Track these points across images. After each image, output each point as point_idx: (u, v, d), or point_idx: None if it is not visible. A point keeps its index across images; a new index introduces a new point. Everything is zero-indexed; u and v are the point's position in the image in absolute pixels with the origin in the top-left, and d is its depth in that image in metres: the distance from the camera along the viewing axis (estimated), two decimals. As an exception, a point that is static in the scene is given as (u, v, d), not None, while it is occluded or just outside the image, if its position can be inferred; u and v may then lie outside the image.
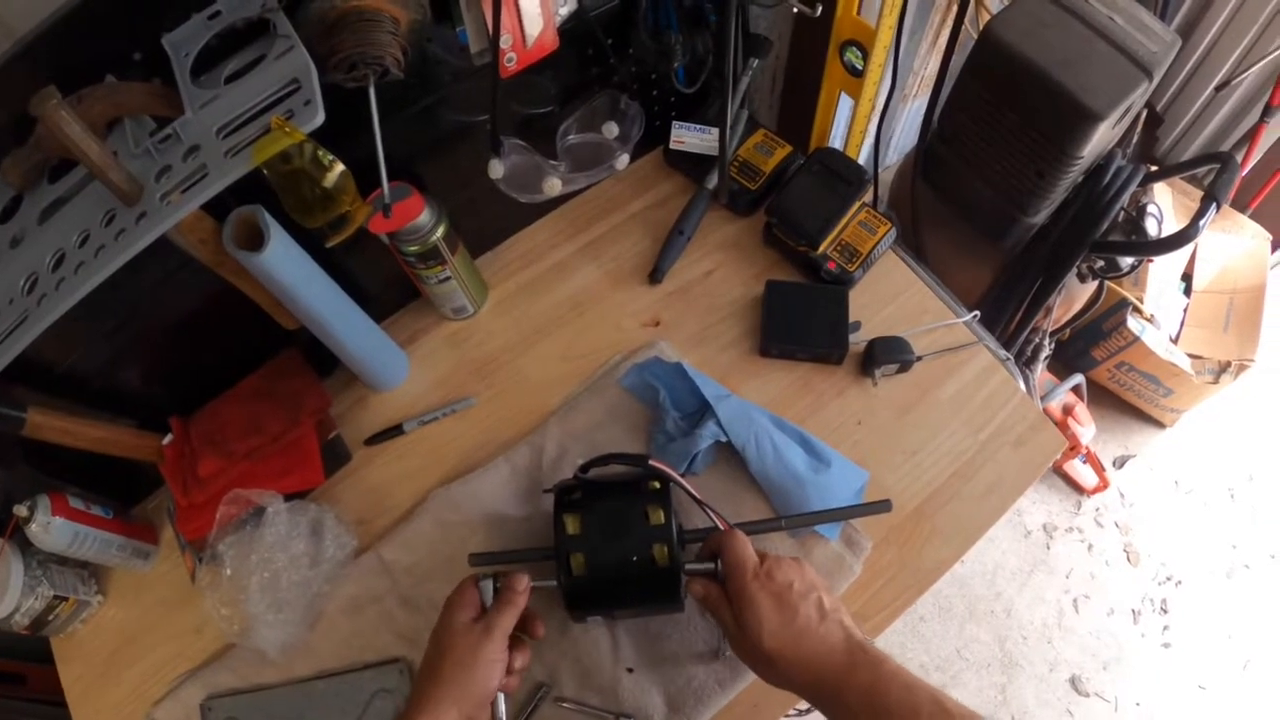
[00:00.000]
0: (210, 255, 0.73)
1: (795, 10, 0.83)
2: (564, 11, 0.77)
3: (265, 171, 0.62)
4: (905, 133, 1.84)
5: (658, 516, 0.72)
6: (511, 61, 0.75)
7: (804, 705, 0.73)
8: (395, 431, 0.97)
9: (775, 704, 0.82)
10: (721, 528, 0.74)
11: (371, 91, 0.67)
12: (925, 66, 1.65)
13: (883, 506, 0.79)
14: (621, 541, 0.72)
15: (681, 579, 0.71)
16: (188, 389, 0.94)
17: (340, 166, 0.66)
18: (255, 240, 0.72)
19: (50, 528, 0.82)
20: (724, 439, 0.86)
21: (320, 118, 0.60)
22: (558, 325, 1.02)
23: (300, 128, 0.60)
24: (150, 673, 0.88)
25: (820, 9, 0.84)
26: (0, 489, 0.85)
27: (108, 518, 0.89)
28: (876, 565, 0.86)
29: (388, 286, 1.01)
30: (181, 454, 0.91)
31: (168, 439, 0.91)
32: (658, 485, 0.74)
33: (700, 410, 0.89)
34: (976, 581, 1.79)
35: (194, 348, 0.91)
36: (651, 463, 0.73)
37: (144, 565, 0.94)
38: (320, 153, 0.64)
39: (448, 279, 0.94)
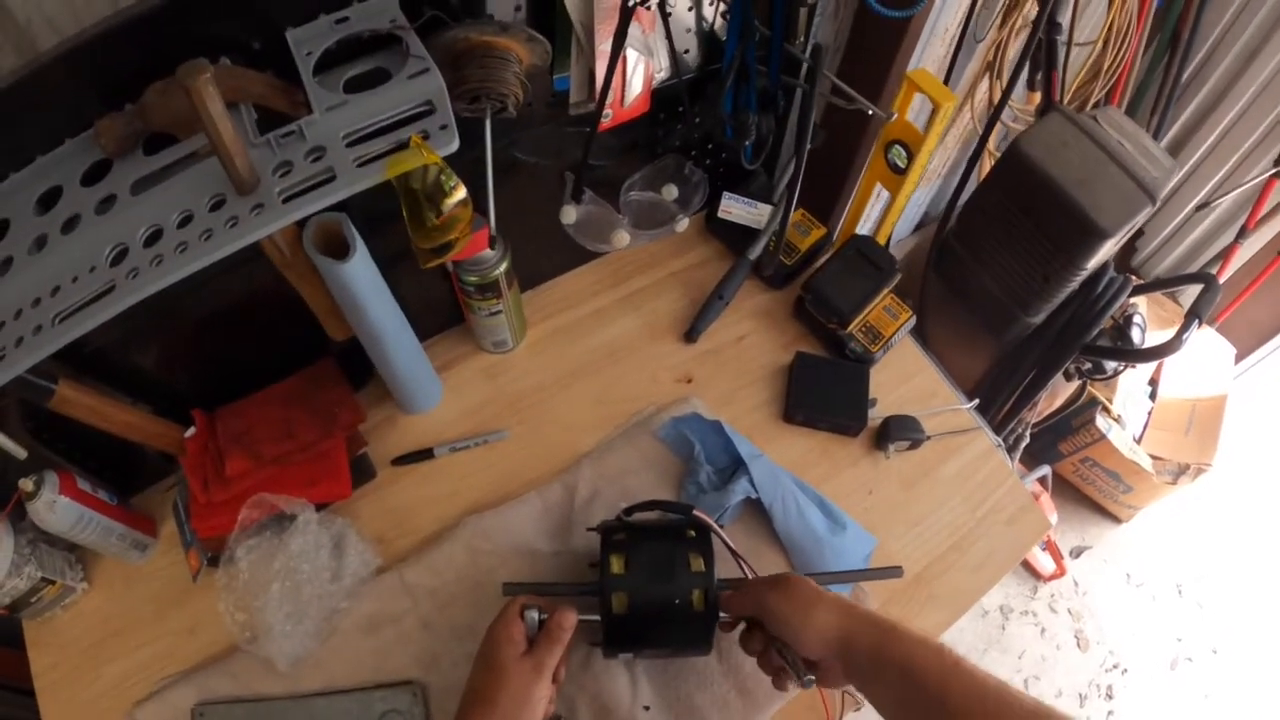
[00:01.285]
0: (282, 256, 0.76)
1: (871, 114, 0.93)
2: (659, 77, 0.86)
3: (395, 185, 0.65)
4: (903, 220, 1.98)
5: (698, 564, 0.78)
6: (607, 117, 0.83)
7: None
8: (425, 455, 1.01)
9: None
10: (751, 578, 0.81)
11: (488, 125, 0.73)
12: (932, 159, 1.80)
13: (894, 572, 0.88)
14: (664, 584, 0.77)
15: (715, 625, 0.78)
16: (214, 384, 0.95)
17: (461, 194, 0.69)
18: (333, 247, 0.76)
19: (56, 506, 0.81)
20: (754, 496, 0.94)
21: (456, 144, 0.64)
22: (593, 370, 1.09)
23: (436, 150, 0.63)
24: (135, 670, 0.88)
25: (895, 115, 0.95)
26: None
27: (112, 504, 0.89)
28: None
29: (429, 310, 1.05)
30: (204, 449, 0.91)
31: (190, 431, 0.91)
32: (695, 534, 0.81)
33: (732, 466, 0.97)
34: (935, 654, 1.89)
35: (228, 344, 0.93)
36: (696, 513, 0.81)
37: (140, 557, 0.94)
38: (444, 176, 0.67)
39: (498, 313, 1.00)
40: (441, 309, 1.07)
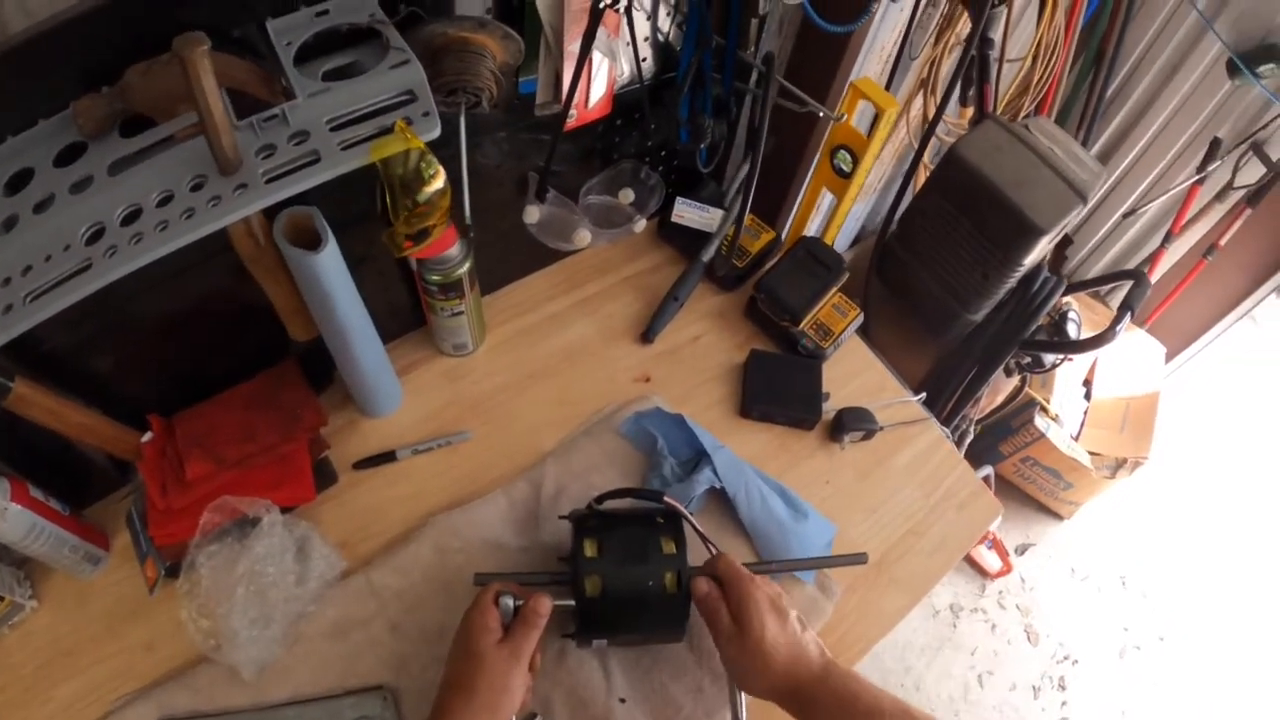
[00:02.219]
0: (250, 249, 0.76)
1: (821, 117, 0.98)
2: (621, 81, 0.89)
3: (379, 169, 0.67)
4: (841, 234, 2.05)
5: (670, 547, 0.80)
6: (572, 118, 0.86)
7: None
8: (388, 457, 1.01)
9: None
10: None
11: (462, 119, 0.75)
12: (868, 176, 1.88)
13: (859, 559, 0.91)
14: (636, 567, 0.79)
15: (688, 609, 0.79)
16: (172, 389, 0.94)
17: (441, 181, 0.70)
18: (302, 241, 0.76)
19: (7, 514, 0.78)
20: (718, 485, 0.97)
21: (438, 130, 0.66)
22: (552, 372, 1.11)
23: (419, 135, 0.65)
24: (89, 690, 0.85)
25: (845, 117, 1.00)
26: None
27: (65, 514, 0.86)
28: (841, 609, 0.97)
29: (391, 314, 1.06)
30: (163, 454, 0.89)
31: (147, 436, 0.89)
32: (665, 520, 0.83)
33: (695, 458, 1.00)
34: (887, 656, 1.94)
35: (187, 347, 0.92)
36: (666, 499, 0.83)
37: (92, 571, 0.91)
38: (425, 163, 0.69)
39: (460, 313, 1.02)
40: (402, 313, 1.08)
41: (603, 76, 0.85)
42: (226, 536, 0.87)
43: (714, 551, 0.84)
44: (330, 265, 0.78)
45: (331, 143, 0.65)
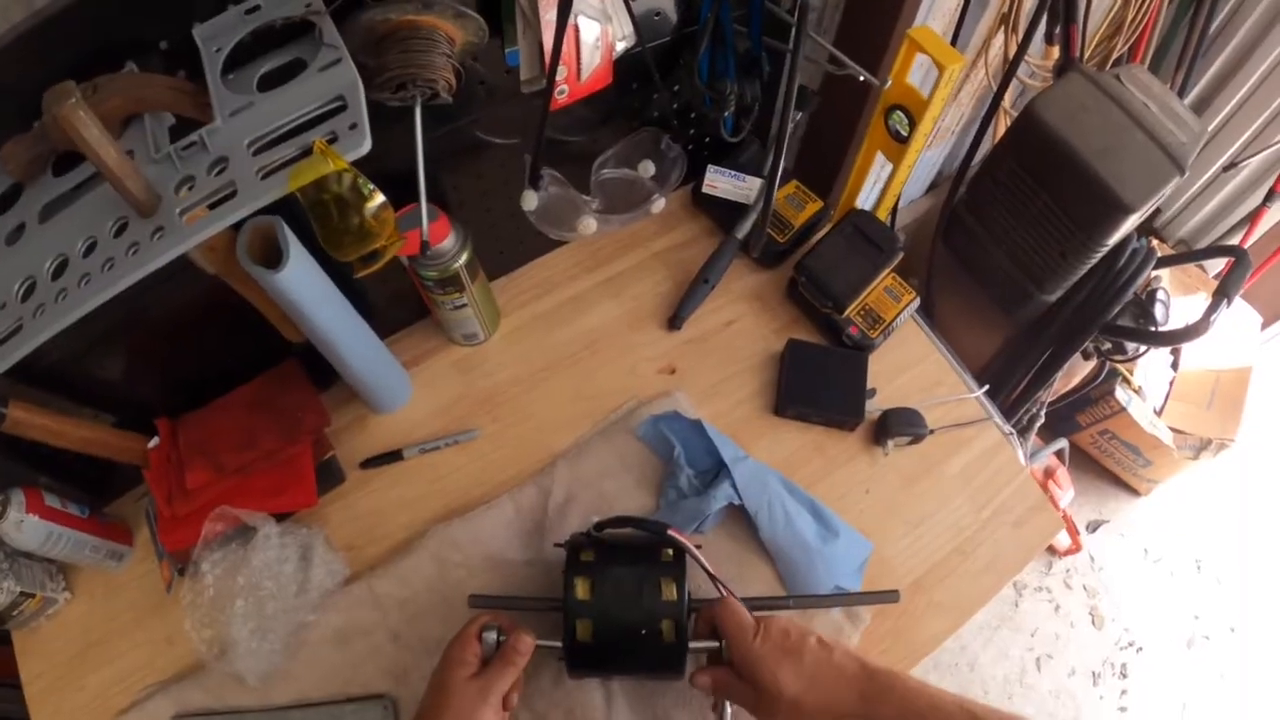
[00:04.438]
0: (219, 264, 0.71)
1: (863, 79, 0.84)
2: (621, 46, 0.76)
3: (300, 197, 0.60)
4: (915, 181, 1.87)
5: (670, 591, 0.72)
6: (563, 94, 0.75)
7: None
8: (394, 457, 0.96)
9: None
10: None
11: (418, 115, 0.66)
12: (943, 118, 1.69)
13: (890, 597, 0.81)
14: (631, 613, 0.72)
15: (687, 656, 0.72)
16: (177, 391, 0.92)
17: (380, 198, 0.63)
18: (271, 253, 0.70)
19: (23, 526, 0.80)
20: (738, 502, 0.87)
21: (367, 146, 0.58)
22: (570, 362, 1.02)
23: (344, 155, 0.57)
24: (116, 680, 0.86)
25: (890, 82, 0.85)
26: None
27: (83, 517, 0.87)
28: (873, 635, 0.88)
29: (395, 303, 1.00)
30: (168, 460, 0.88)
31: (154, 442, 0.89)
32: (671, 554, 0.75)
33: (715, 469, 0.90)
34: (943, 633, 1.83)
35: (188, 350, 0.89)
36: (670, 533, 0.74)
37: (117, 567, 0.92)
38: (360, 181, 0.62)
39: (463, 306, 0.94)
40: (409, 301, 1.00)
41: (597, 43, 0.73)
42: (231, 543, 0.87)
43: (723, 591, 0.75)
44: (295, 280, 0.71)
45: (250, 170, 0.58)
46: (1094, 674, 1.81)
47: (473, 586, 0.87)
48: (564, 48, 0.69)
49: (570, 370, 1.01)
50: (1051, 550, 1.93)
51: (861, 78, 0.83)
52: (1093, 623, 1.87)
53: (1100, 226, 0.99)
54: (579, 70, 0.74)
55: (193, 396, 0.92)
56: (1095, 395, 1.78)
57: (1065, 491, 1.82)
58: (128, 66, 0.60)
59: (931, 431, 0.97)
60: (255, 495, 0.88)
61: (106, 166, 0.54)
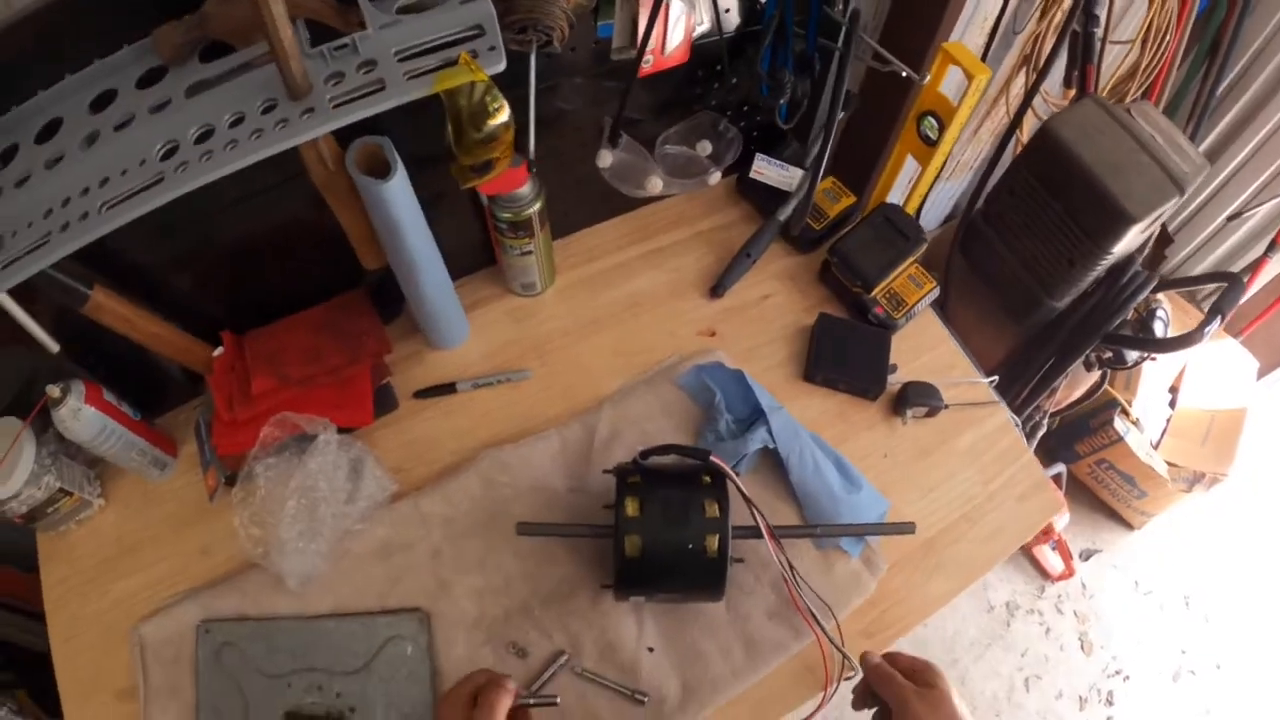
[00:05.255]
0: (326, 176, 0.78)
1: (905, 75, 0.96)
2: (700, 30, 0.88)
3: (443, 100, 0.68)
4: (933, 209, 2.01)
5: (713, 510, 0.79)
6: (648, 64, 0.86)
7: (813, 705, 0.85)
8: (447, 389, 1.04)
9: (779, 701, 0.89)
10: (763, 528, 0.82)
11: (533, 57, 0.75)
12: (963, 153, 1.83)
13: (907, 528, 0.90)
14: (678, 529, 0.78)
15: (727, 572, 0.79)
16: (244, 308, 0.98)
17: (505, 114, 0.71)
18: (374, 172, 0.78)
19: (81, 415, 0.82)
20: (772, 446, 0.96)
21: (503, 64, 0.67)
22: (617, 320, 1.11)
23: (484, 69, 0.66)
24: (144, 587, 0.90)
25: (929, 78, 0.97)
26: (26, 370, 0.86)
27: (135, 419, 0.91)
28: (887, 587, 0.96)
29: (462, 250, 1.08)
30: (231, 369, 0.94)
31: (218, 351, 0.94)
32: (710, 480, 0.82)
33: (751, 417, 0.99)
34: (936, 646, 1.91)
35: (262, 269, 0.95)
36: (712, 458, 0.82)
37: (159, 475, 0.96)
38: (489, 97, 0.69)
39: (529, 253, 1.03)
40: (473, 250, 1.10)
41: (680, 25, 0.85)
42: (285, 451, 0.91)
43: (756, 514, 0.82)
44: (398, 194, 0.80)
45: (398, 72, 0.66)
46: (1081, 698, 1.88)
47: (517, 508, 0.94)
48: (658, 25, 0.80)
49: (617, 327, 1.11)
50: (1045, 574, 2.02)
51: (904, 74, 0.95)
52: (1082, 648, 1.95)
53: (1106, 235, 1.10)
54: (664, 45, 0.86)
55: (258, 316, 0.98)
56: (1095, 425, 1.88)
57: (1061, 517, 1.92)
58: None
59: (946, 406, 1.07)
60: (314, 408, 0.92)
61: (280, 42, 0.60)
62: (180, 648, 0.85)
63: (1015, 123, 1.28)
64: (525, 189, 0.95)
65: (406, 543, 0.92)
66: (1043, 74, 1.22)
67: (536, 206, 0.97)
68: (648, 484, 0.82)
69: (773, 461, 0.99)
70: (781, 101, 1.02)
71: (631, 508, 0.79)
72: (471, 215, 1.05)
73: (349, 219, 0.86)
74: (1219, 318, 1.20)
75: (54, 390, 0.82)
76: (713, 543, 0.78)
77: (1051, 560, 2.00)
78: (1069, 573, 1.99)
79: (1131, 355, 1.34)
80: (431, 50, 0.68)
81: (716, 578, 0.79)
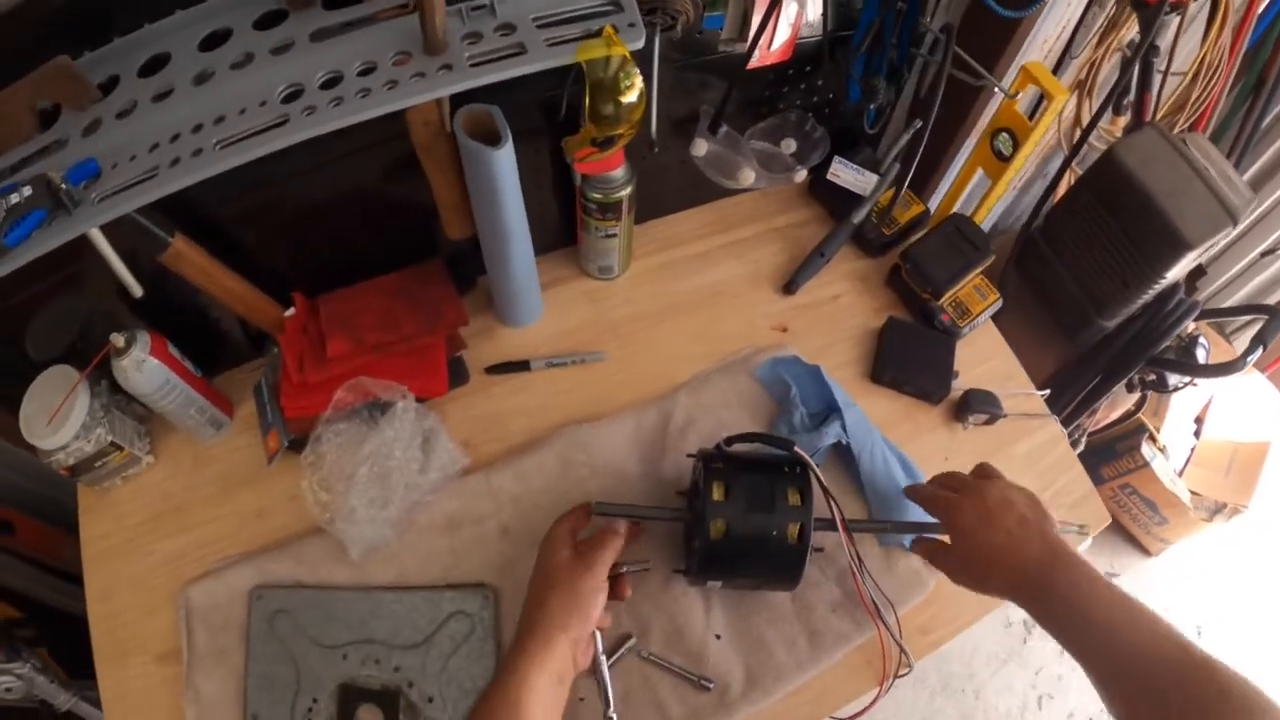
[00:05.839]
0: (427, 138, 0.79)
1: (983, 88, 1.01)
2: (807, 30, 0.93)
3: (584, 69, 0.70)
4: (990, 218, 2.05)
5: (795, 498, 0.81)
6: (754, 59, 0.90)
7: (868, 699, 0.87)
8: (521, 366, 1.06)
9: (838, 692, 0.92)
10: (837, 520, 0.84)
11: (656, 40, 0.78)
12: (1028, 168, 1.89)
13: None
14: (762, 516, 0.79)
15: (807, 560, 0.80)
16: (318, 270, 0.98)
17: (637, 91, 0.73)
18: (481, 139, 0.79)
19: (144, 366, 0.82)
20: (845, 441, 1.00)
21: (643, 40, 0.68)
22: (692, 308, 1.15)
23: (625, 44, 0.67)
24: (191, 549, 0.89)
25: (1018, 94, 1.02)
26: (81, 319, 0.86)
27: (197, 375, 0.91)
28: (945, 586, 0.96)
29: (543, 228, 1.09)
30: (303, 330, 0.94)
31: (290, 312, 0.94)
32: (791, 471, 0.83)
33: (825, 412, 1.03)
34: (954, 658, 1.95)
35: (340, 231, 0.96)
36: (796, 449, 0.84)
37: (214, 435, 0.96)
38: (624, 72, 0.72)
39: (614, 235, 1.06)
40: (553, 230, 1.13)
41: (788, 21, 0.89)
42: (355, 417, 0.91)
43: (834, 507, 0.84)
44: (505, 163, 0.81)
45: (538, 38, 0.67)
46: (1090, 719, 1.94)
47: (592, 486, 0.95)
48: (769, 21, 0.84)
49: (692, 315, 1.14)
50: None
51: (996, 89, 1.00)
52: (1095, 670, 1.99)
53: (1161, 259, 1.15)
54: (771, 40, 0.91)
55: (331, 279, 0.99)
56: (1122, 449, 1.94)
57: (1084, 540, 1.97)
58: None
59: (1006, 415, 1.11)
60: (388, 374, 0.92)
61: None
62: (230, 613, 0.85)
63: (1076, 149, 1.34)
64: (620, 171, 0.98)
65: (476, 517, 0.93)
66: (1106, 103, 1.28)
67: (628, 190, 1.00)
68: (732, 470, 0.83)
69: (841, 457, 1.02)
70: (871, 106, 1.06)
71: (718, 492, 0.80)
72: (554, 194, 1.08)
73: (442, 185, 0.87)
74: (1262, 347, 1.25)
75: (118, 339, 0.81)
76: (794, 530, 0.80)
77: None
78: (1086, 595, 2.03)
79: (1173, 379, 1.40)
80: (571, 20, 0.70)
81: (795, 566, 0.81)
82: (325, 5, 0.69)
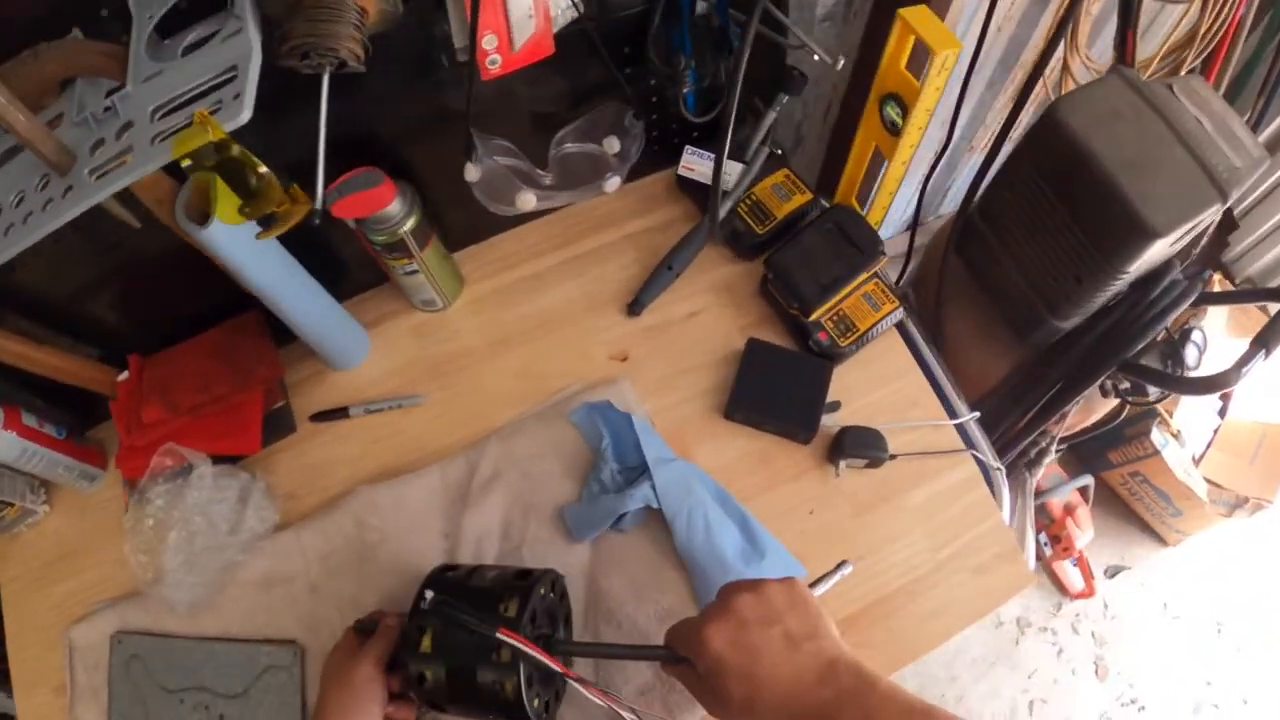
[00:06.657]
0: (168, 216, 0.68)
1: (816, 58, 0.70)
2: (562, 16, 0.65)
3: (183, 165, 0.54)
4: (966, 183, 1.68)
5: (505, 654, 0.59)
6: (495, 64, 0.65)
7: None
8: (341, 413, 0.90)
9: None
10: (571, 680, 0.60)
11: (324, 84, 0.58)
12: (1001, 120, 1.50)
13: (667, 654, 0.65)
14: (470, 674, 0.60)
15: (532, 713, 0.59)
16: (153, 330, 0.90)
17: (261, 169, 0.58)
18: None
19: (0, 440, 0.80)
20: (655, 505, 0.76)
21: (246, 115, 0.53)
22: (524, 339, 0.92)
23: (224, 123, 0.53)
24: (77, 592, 0.86)
25: (841, 62, 0.70)
26: None
27: (59, 438, 0.87)
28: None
29: (363, 264, 0.92)
30: (134, 393, 0.88)
31: (123, 376, 0.89)
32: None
33: (641, 467, 0.79)
34: (934, 662, 1.66)
35: (164, 291, 0.87)
36: (501, 633, 0.58)
37: (89, 487, 0.92)
38: (241, 151, 0.56)
39: (415, 272, 0.86)
40: (371, 265, 0.92)
41: (525, 13, 0.62)
42: (178, 478, 0.85)
43: (554, 666, 0.60)
44: (225, 238, 0.67)
45: (147, 136, 0.56)
46: (1089, 727, 1.61)
47: (386, 551, 0.82)
48: (490, 18, 0.61)
49: (523, 347, 0.92)
50: (1063, 591, 1.72)
51: (815, 56, 0.69)
52: (1096, 673, 1.66)
53: (1120, 251, 0.82)
54: (510, 40, 0.64)
55: (167, 337, 0.91)
56: (1130, 434, 1.56)
57: (1084, 532, 1.61)
58: (73, 32, 0.59)
59: (893, 457, 0.83)
60: (203, 436, 0.86)
61: (16, 131, 0.54)
62: (99, 654, 0.83)
63: (1019, 104, 0.98)
64: (393, 208, 0.78)
65: (286, 576, 0.84)
66: (1060, 34, 0.91)
67: (410, 224, 0.80)
68: (446, 615, 0.61)
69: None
70: (685, 90, 0.76)
71: (426, 642, 0.61)
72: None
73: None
74: (1264, 352, 0.89)
75: (-30, 419, 0.79)
76: (510, 686, 0.59)
77: (1071, 576, 1.70)
78: (1089, 592, 1.69)
79: (1154, 389, 1.04)
80: (185, 103, 0.56)
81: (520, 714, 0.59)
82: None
